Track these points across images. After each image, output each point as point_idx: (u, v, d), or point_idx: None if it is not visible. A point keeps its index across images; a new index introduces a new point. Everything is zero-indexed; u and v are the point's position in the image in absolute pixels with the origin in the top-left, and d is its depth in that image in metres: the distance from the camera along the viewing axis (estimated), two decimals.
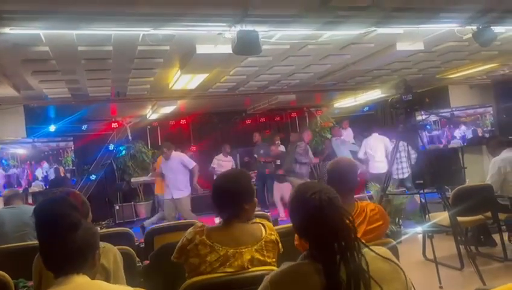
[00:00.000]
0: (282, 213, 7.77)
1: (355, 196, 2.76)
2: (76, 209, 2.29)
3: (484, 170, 6.86)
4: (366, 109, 11.29)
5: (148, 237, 3.85)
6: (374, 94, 8.93)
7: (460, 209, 4.41)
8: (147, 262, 3.24)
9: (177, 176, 6.87)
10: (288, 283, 1.43)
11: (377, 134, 8.25)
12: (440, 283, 3.96)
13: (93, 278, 1.59)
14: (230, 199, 2.17)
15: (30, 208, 4.04)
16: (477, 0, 3.96)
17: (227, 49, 4.11)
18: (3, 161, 7.32)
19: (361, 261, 1.40)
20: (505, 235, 4.82)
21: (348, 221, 1.45)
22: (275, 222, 5.03)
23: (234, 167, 9.65)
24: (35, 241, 3.47)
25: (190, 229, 2.16)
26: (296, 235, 2.35)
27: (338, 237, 1.41)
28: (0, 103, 6.70)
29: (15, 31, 3.47)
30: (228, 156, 9.64)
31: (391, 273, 1.47)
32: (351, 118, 10.86)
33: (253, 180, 9.16)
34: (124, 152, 10.09)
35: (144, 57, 4.91)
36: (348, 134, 10.10)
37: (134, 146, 10.13)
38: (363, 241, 1.50)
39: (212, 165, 9.48)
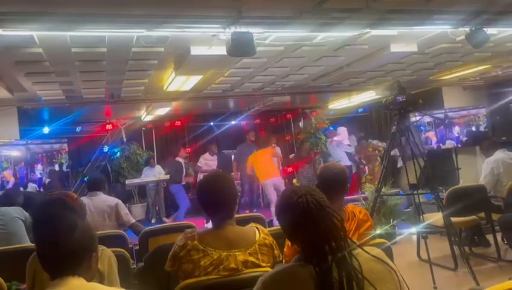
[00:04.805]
0: None
1: (350, 197, 2.77)
2: (74, 211, 2.29)
3: (478, 170, 6.89)
4: (360, 110, 11.34)
5: (142, 239, 3.84)
6: (368, 95, 8.96)
7: (454, 210, 4.43)
8: (141, 264, 3.24)
9: None
10: (282, 284, 1.44)
11: None
12: (434, 283, 3.98)
13: (89, 280, 1.58)
14: (222, 200, 2.17)
15: (9, 209, 4.00)
16: (470, 2, 3.99)
17: (221, 50, 4.11)
18: None
19: (353, 261, 1.41)
20: (499, 236, 4.84)
21: (336, 220, 1.45)
22: (270, 224, 5.03)
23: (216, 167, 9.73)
24: (28, 244, 3.46)
25: (180, 236, 2.15)
26: (287, 242, 2.36)
27: (329, 238, 1.42)
28: None
29: (8, 32, 3.45)
30: (214, 156, 9.68)
31: (384, 273, 1.47)
32: (345, 119, 10.91)
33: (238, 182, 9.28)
34: (118, 154, 10.05)
35: (138, 59, 4.90)
36: (343, 136, 10.13)
37: (128, 148, 10.10)
38: (357, 242, 1.51)
39: (198, 164, 9.51)
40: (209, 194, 2.22)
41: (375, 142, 9.78)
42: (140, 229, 4.11)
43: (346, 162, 9.12)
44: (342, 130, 10.14)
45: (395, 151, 7.65)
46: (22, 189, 7.26)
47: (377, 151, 9.40)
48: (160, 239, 3.62)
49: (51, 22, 3.35)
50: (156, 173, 9.61)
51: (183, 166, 9.17)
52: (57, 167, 7.88)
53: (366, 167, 9.72)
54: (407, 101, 4.44)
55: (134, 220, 4.33)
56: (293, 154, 10.92)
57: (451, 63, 6.99)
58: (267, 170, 7.99)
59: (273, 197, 7.65)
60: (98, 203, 4.23)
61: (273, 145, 9.10)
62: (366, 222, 2.61)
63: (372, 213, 4.59)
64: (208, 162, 9.53)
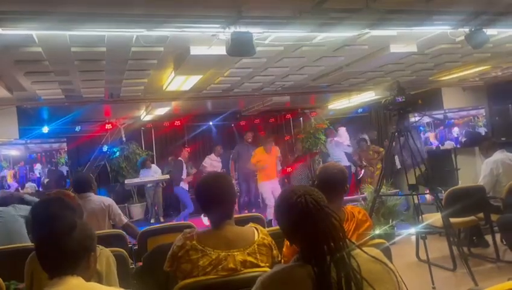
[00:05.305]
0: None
1: (349, 197, 2.77)
2: (73, 211, 2.29)
3: (477, 171, 6.90)
4: (360, 110, 11.34)
5: (141, 238, 3.83)
6: (368, 96, 8.97)
7: (453, 211, 4.43)
8: (140, 264, 3.23)
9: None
10: (280, 284, 1.44)
11: None
12: (433, 283, 3.98)
13: (88, 280, 1.58)
14: (222, 200, 2.17)
15: (8, 208, 3.99)
16: (470, 3, 3.99)
17: (221, 50, 4.11)
18: None
19: (351, 261, 1.41)
20: (497, 236, 4.85)
21: (335, 221, 1.45)
22: (269, 223, 5.03)
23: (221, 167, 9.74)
24: (26, 243, 3.45)
25: (179, 236, 2.15)
26: (286, 242, 2.36)
27: (327, 238, 1.42)
28: None
29: (7, 32, 3.45)
30: (219, 157, 9.70)
31: (383, 274, 1.48)
32: (345, 120, 10.91)
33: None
34: (117, 154, 10.06)
35: (138, 58, 4.90)
36: (344, 136, 10.12)
37: (128, 147, 10.11)
38: (356, 243, 1.51)
39: (203, 164, 9.52)
40: (209, 194, 2.22)
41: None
42: (133, 230, 4.03)
43: (345, 162, 9.12)
44: (342, 131, 10.14)
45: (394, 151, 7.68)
46: (20, 189, 7.26)
47: (376, 155, 9.39)
48: (159, 239, 3.62)
49: (50, 21, 3.34)
50: (152, 174, 9.62)
51: (184, 166, 9.18)
52: (54, 167, 7.87)
53: (363, 170, 9.73)
54: (406, 102, 4.45)
55: (126, 221, 4.17)
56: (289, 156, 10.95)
57: (451, 64, 6.99)
58: (268, 172, 8.00)
59: (271, 202, 7.64)
60: (90, 205, 3.99)
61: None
62: (365, 223, 2.61)
63: (371, 213, 4.60)
64: (213, 162, 9.57)
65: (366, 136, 10.31)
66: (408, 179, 4.59)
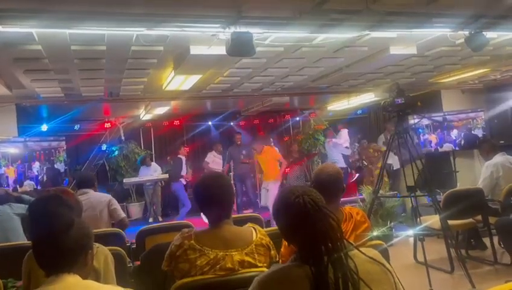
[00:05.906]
0: None
1: (347, 198, 2.77)
2: (70, 208, 2.29)
3: (476, 173, 6.90)
4: (359, 112, 11.35)
5: (139, 237, 3.83)
6: (367, 97, 8.98)
7: (451, 213, 4.43)
8: (138, 263, 3.23)
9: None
10: (278, 283, 1.44)
11: None
12: (430, 285, 3.98)
13: (85, 278, 1.58)
14: (221, 199, 2.18)
15: (5, 207, 4.00)
16: (470, 6, 4.00)
17: (221, 50, 4.11)
18: None
19: (348, 261, 1.41)
20: (495, 239, 4.85)
21: (333, 221, 1.45)
22: (267, 224, 5.03)
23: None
24: (24, 242, 3.44)
25: (177, 236, 2.15)
26: (284, 242, 2.36)
27: (325, 238, 1.42)
28: None
29: (7, 29, 3.44)
30: (220, 154, 9.74)
31: (380, 275, 1.48)
32: (344, 121, 10.92)
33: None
34: (116, 152, 10.06)
35: (138, 57, 4.90)
36: (344, 138, 10.11)
37: (127, 147, 10.11)
38: (353, 243, 1.51)
39: (206, 160, 9.55)
40: (207, 193, 2.22)
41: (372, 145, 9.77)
42: (126, 224, 4.17)
43: (341, 164, 9.09)
44: (344, 133, 10.12)
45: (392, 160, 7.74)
46: (18, 187, 7.26)
47: (377, 153, 9.37)
48: (157, 238, 3.62)
49: (50, 19, 3.34)
50: (151, 172, 9.62)
51: (183, 163, 9.19)
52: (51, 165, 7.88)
53: (358, 174, 9.74)
54: (405, 104, 4.44)
55: (123, 216, 4.32)
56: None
57: (451, 66, 7.01)
58: (265, 173, 8.03)
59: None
60: (90, 201, 4.11)
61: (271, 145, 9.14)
62: (363, 224, 2.61)
63: (369, 215, 4.60)
64: (215, 158, 9.64)
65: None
66: (407, 181, 4.58)
